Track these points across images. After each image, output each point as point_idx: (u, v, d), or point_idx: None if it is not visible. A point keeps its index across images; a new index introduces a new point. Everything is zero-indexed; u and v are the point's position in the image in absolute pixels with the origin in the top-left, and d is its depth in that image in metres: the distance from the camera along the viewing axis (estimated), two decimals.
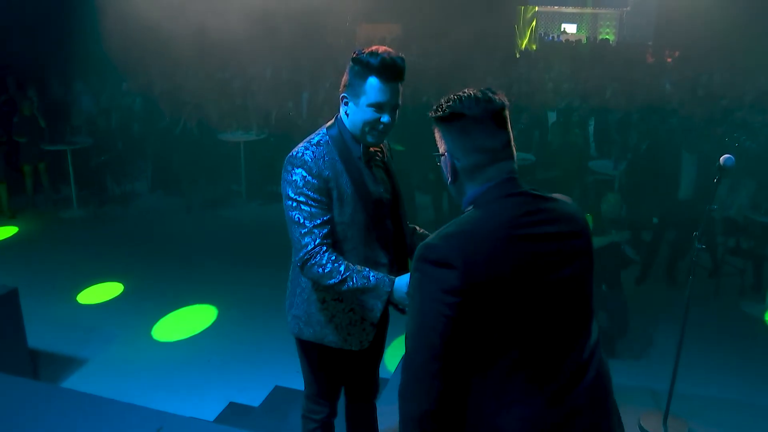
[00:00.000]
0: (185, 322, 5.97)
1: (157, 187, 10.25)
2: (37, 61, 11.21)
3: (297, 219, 2.41)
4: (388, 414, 3.05)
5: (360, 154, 2.52)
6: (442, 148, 1.84)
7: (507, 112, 1.79)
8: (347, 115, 2.48)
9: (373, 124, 2.42)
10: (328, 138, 2.51)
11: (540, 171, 8.48)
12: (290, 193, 2.42)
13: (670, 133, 7.74)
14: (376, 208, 2.55)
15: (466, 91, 1.78)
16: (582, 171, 8.25)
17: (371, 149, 2.58)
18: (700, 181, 6.82)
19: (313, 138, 2.52)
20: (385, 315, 2.60)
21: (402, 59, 2.40)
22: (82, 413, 2.59)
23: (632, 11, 24.06)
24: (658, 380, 4.93)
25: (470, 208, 1.78)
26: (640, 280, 6.82)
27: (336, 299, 2.58)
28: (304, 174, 2.41)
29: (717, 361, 5.33)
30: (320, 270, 2.39)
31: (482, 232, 1.66)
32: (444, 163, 1.82)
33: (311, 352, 2.72)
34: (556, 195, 1.84)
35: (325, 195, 2.43)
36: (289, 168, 2.44)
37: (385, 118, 2.42)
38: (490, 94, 1.76)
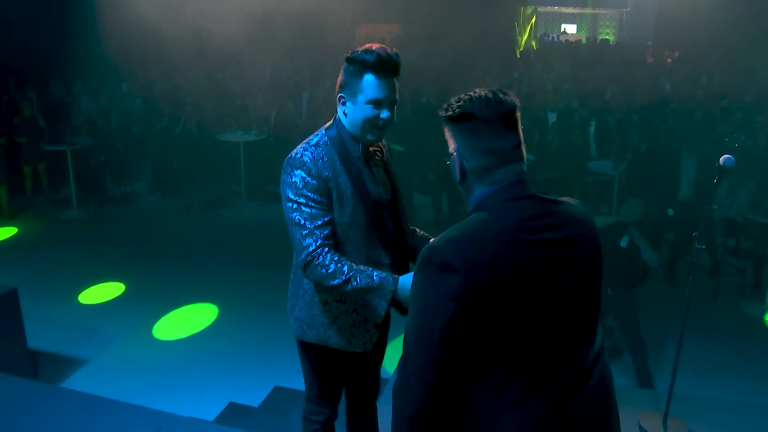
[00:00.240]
0: (186, 321, 5.97)
1: (156, 187, 10.25)
2: (37, 61, 11.21)
3: (297, 220, 2.40)
4: (388, 414, 3.05)
5: (359, 153, 2.51)
6: (451, 147, 1.82)
7: (518, 114, 1.77)
8: (345, 114, 2.47)
9: (372, 121, 2.42)
10: (326, 139, 2.50)
11: (540, 171, 8.48)
12: (290, 194, 2.41)
13: (670, 133, 7.75)
14: (376, 208, 2.54)
15: (477, 91, 1.76)
16: (582, 171, 8.25)
17: (370, 149, 2.57)
18: (699, 181, 6.83)
19: (312, 139, 2.52)
20: (386, 315, 2.60)
21: (397, 55, 2.41)
22: (82, 413, 2.59)
23: (632, 11, 24.08)
24: (658, 380, 4.94)
25: (475, 210, 1.77)
26: (641, 280, 6.81)
27: (339, 300, 2.56)
28: (304, 175, 2.40)
29: (717, 362, 5.33)
30: (324, 271, 2.38)
31: (487, 236, 1.65)
32: (453, 162, 1.80)
33: (314, 354, 2.71)
34: (564, 198, 1.82)
35: (325, 196, 2.42)
36: (289, 170, 2.43)
37: (384, 114, 2.42)
38: (501, 95, 1.74)
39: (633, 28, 23.71)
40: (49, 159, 9.30)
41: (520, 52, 19.46)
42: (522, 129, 1.80)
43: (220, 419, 4.28)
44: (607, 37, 23.98)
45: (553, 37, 24.03)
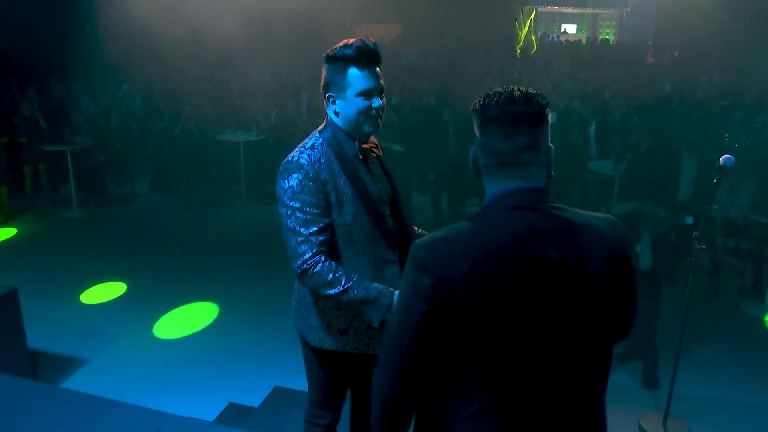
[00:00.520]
0: (186, 320, 5.97)
1: (156, 187, 10.25)
2: (37, 61, 11.22)
3: (292, 227, 2.38)
4: None
5: (356, 151, 2.50)
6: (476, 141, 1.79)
7: (540, 117, 1.66)
8: (337, 114, 2.47)
9: (366, 113, 2.42)
10: (321, 140, 2.49)
11: None
12: (285, 200, 2.40)
13: (670, 133, 7.75)
14: (377, 206, 2.53)
15: (503, 88, 1.69)
16: (582, 171, 8.25)
17: (366, 145, 2.55)
18: (700, 181, 6.83)
19: (307, 142, 2.50)
20: None
21: (375, 44, 2.43)
22: (81, 414, 2.59)
23: (632, 11, 24.09)
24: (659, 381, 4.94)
25: (480, 212, 1.74)
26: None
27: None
28: (301, 178, 2.38)
29: (717, 362, 5.33)
30: (320, 280, 2.34)
31: (472, 243, 1.60)
32: (472, 154, 1.77)
33: (326, 360, 2.67)
34: (596, 216, 1.71)
35: (323, 199, 2.39)
36: (285, 174, 2.41)
37: (376, 103, 2.42)
38: (520, 95, 1.66)
39: (633, 28, 23.72)
40: (49, 159, 9.31)
41: (520, 50, 19.45)
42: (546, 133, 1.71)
43: (220, 419, 4.28)
44: (607, 37, 23.99)
45: (553, 37, 24.02)
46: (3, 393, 2.71)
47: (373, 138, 2.62)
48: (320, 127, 2.55)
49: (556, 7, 25.31)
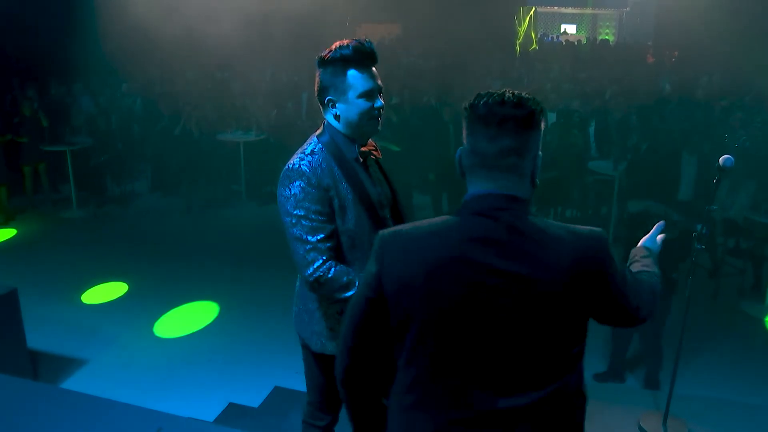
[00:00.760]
0: (186, 319, 5.98)
1: (156, 187, 10.26)
2: (38, 61, 11.22)
3: (299, 235, 2.35)
4: None
5: (356, 154, 2.47)
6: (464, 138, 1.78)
7: (522, 121, 1.64)
8: (337, 117, 2.44)
9: (369, 113, 2.41)
10: (321, 145, 2.45)
11: (539, 171, 8.48)
12: (289, 208, 2.36)
13: (670, 133, 7.74)
14: (377, 210, 2.52)
15: (500, 89, 1.69)
16: (582, 171, 8.25)
17: (364, 148, 2.53)
18: (699, 181, 6.83)
19: (306, 148, 2.46)
20: None
21: (370, 43, 2.41)
22: (81, 414, 2.59)
23: (632, 12, 24.09)
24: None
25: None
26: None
27: None
28: (303, 185, 2.34)
29: (717, 362, 5.33)
30: (335, 285, 2.34)
31: (424, 244, 1.62)
32: (458, 154, 1.76)
33: (327, 365, 2.61)
34: (572, 230, 1.66)
35: (326, 205, 2.36)
36: (287, 182, 2.38)
37: (378, 103, 2.42)
38: (511, 97, 1.64)
39: (633, 28, 23.70)
40: (49, 159, 9.31)
41: (520, 48, 19.45)
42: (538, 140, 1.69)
43: (220, 420, 4.28)
44: (606, 37, 23.97)
45: (552, 38, 24.01)
46: (3, 393, 2.71)
47: (371, 140, 2.60)
48: (318, 132, 2.52)
49: (556, 8, 25.31)
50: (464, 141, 1.72)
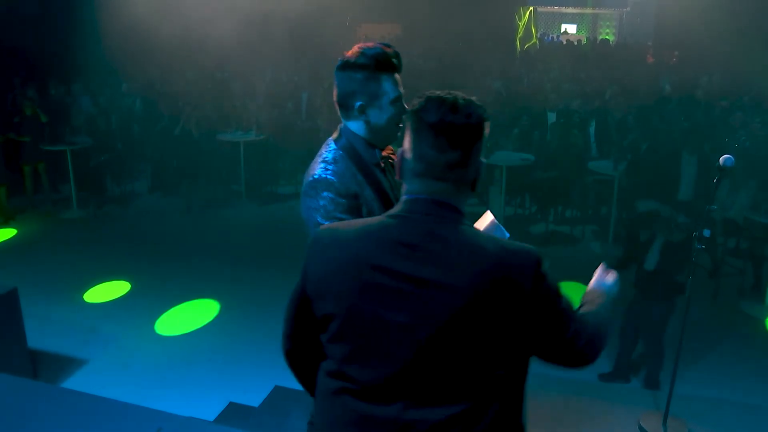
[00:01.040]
0: (186, 318, 5.98)
1: (156, 187, 10.26)
2: (38, 61, 11.23)
3: None
4: None
5: (377, 159, 2.39)
6: (405, 140, 1.73)
7: (471, 130, 1.61)
8: (368, 123, 2.35)
9: (398, 120, 2.34)
10: (341, 152, 2.36)
11: (539, 171, 8.49)
12: (319, 219, 2.26)
13: (670, 133, 7.75)
14: None
15: (447, 94, 1.66)
16: (582, 171, 8.26)
17: (383, 153, 2.46)
18: (700, 181, 6.83)
19: (326, 156, 2.36)
20: None
21: (392, 47, 2.36)
22: (82, 413, 2.59)
23: (632, 12, 24.09)
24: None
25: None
26: (620, 266, 6.65)
27: None
28: (332, 196, 2.26)
29: (717, 362, 5.33)
30: None
31: (345, 242, 1.63)
32: (399, 154, 1.72)
33: None
34: (501, 244, 1.58)
35: (355, 213, 2.28)
36: (313, 193, 2.29)
37: (404, 109, 2.35)
38: (460, 104, 1.60)
39: (633, 28, 23.70)
40: (49, 159, 9.31)
41: (520, 45, 19.46)
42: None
43: (220, 419, 4.28)
44: (606, 37, 23.98)
45: (552, 37, 24.02)
46: (3, 393, 2.71)
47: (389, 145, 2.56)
48: (334, 137, 2.43)
49: (556, 7, 25.31)
50: (405, 144, 1.69)
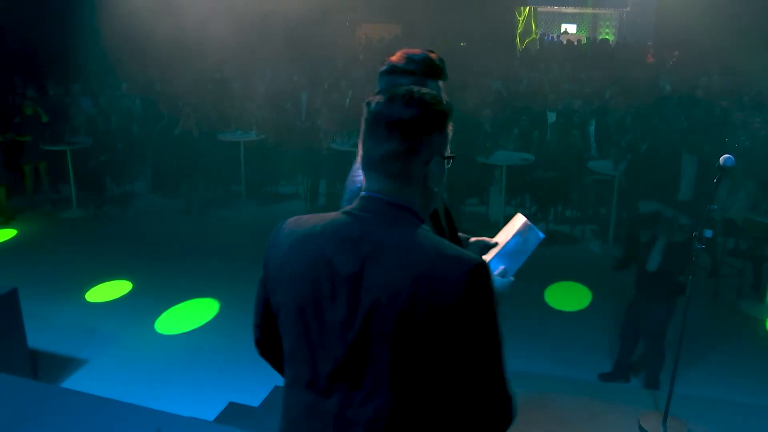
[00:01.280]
0: (186, 317, 5.99)
1: (156, 187, 10.27)
2: (37, 61, 11.22)
3: None
4: None
5: None
6: None
7: (410, 124, 1.54)
8: None
9: None
10: None
11: (539, 171, 8.50)
12: None
13: (670, 133, 7.75)
14: (440, 219, 2.47)
15: (407, 88, 1.60)
16: (582, 171, 8.26)
17: None
18: (699, 181, 6.83)
19: None
20: None
21: (436, 53, 2.37)
22: (82, 413, 2.59)
23: (632, 12, 24.06)
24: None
25: None
26: (620, 266, 6.63)
27: None
28: None
29: (716, 362, 5.33)
30: None
31: (297, 236, 1.65)
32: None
33: None
34: (442, 251, 1.50)
35: None
36: None
37: None
38: (401, 97, 1.55)
39: (633, 27, 23.68)
40: (50, 159, 9.32)
41: (520, 44, 19.46)
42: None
43: (220, 419, 4.28)
44: (607, 36, 23.97)
45: (552, 37, 24.01)
46: (3, 393, 2.71)
47: None
48: None
49: (556, 7, 25.29)
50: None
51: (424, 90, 1.60)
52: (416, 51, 2.32)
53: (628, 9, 24.16)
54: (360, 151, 1.65)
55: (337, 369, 1.58)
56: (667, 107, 9.75)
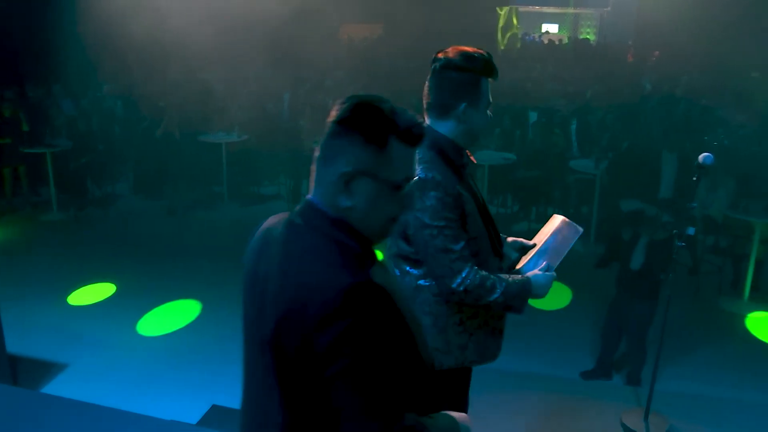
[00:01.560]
0: (168, 319, 5.95)
1: (138, 189, 10.19)
2: (16, 63, 11.11)
3: (443, 246, 2.27)
4: None
5: (466, 160, 2.41)
6: None
7: (334, 127, 1.52)
8: (466, 125, 2.36)
9: (488, 124, 2.39)
10: (432, 153, 2.33)
11: (521, 170, 8.53)
12: (428, 220, 2.27)
13: (651, 132, 7.82)
14: (487, 213, 2.47)
15: (369, 99, 1.55)
16: (563, 170, 8.31)
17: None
18: (679, 179, 6.89)
19: (422, 157, 2.31)
20: None
21: (486, 51, 2.40)
22: (63, 418, 2.57)
23: (613, 11, 24.23)
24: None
25: None
26: (602, 264, 6.66)
27: (471, 317, 2.43)
28: (440, 195, 2.26)
29: (697, 358, 5.38)
30: (482, 291, 2.28)
31: (258, 238, 1.70)
32: None
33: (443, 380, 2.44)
34: (315, 266, 1.47)
35: (460, 212, 2.30)
36: (419, 194, 2.27)
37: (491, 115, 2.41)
38: (347, 106, 1.52)
39: (614, 27, 23.85)
40: (29, 161, 9.22)
41: (502, 52, 19.55)
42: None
43: (204, 422, 4.26)
44: (587, 36, 24.14)
45: (534, 37, 24.13)
46: None
47: None
48: None
49: (537, 7, 25.42)
50: None
51: (373, 105, 1.51)
52: (469, 49, 2.34)
53: (609, 9, 24.33)
54: None
55: (248, 374, 1.72)
56: (647, 106, 9.84)
